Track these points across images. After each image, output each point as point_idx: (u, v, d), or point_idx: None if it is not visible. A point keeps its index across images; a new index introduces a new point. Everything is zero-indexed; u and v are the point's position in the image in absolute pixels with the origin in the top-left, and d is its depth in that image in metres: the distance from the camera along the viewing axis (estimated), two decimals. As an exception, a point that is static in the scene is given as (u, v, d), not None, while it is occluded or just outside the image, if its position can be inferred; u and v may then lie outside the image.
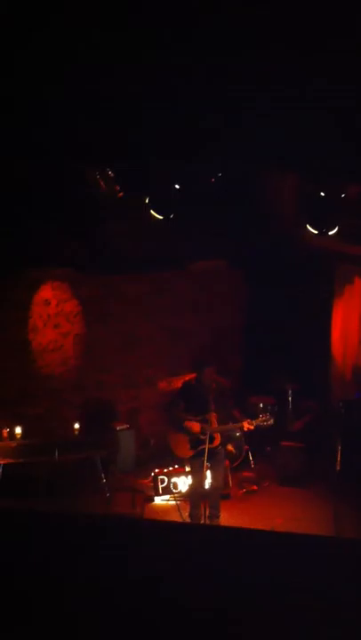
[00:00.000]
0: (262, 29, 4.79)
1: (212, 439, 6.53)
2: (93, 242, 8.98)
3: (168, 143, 6.38)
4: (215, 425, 6.64)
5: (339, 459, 7.87)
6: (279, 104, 5.61)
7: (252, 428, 6.78)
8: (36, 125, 5.88)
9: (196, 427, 6.67)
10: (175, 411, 6.90)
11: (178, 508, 7.56)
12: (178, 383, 9.08)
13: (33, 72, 5.23)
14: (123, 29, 4.87)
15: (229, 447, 8.62)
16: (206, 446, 6.40)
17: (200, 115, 5.86)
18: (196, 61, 5.21)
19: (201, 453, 6.52)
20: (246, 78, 5.28)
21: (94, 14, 4.66)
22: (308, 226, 7.42)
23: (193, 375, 7.14)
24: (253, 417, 7.23)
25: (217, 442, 6.67)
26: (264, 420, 6.87)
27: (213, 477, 6.83)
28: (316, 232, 7.37)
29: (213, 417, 6.62)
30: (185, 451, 6.84)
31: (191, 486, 7.11)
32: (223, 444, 6.95)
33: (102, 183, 7.39)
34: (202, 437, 6.58)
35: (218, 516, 6.83)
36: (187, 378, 7.49)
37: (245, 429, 6.84)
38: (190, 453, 6.78)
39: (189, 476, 7.94)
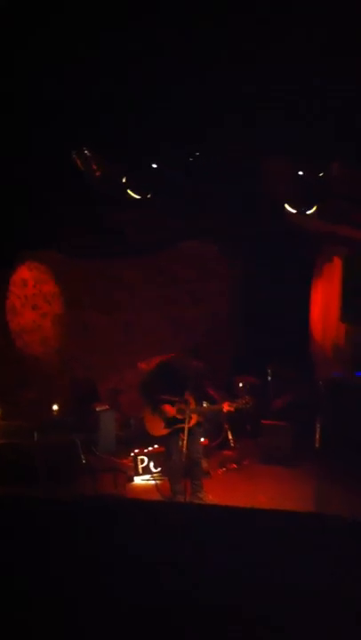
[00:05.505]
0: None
1: (189, 419, 6.65)
2: (75, 222, 8.90)
3: (157, 125, 6.37)
4: (193, 405, 6.73)
5: (318, 437, 7.95)
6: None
7: (231, 409, 6.90)
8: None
9: (171, 411, 6.79)
10: (151, 392, 6.99)
11: (157, 487, 7.71)
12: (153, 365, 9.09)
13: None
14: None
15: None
16: (185, 426, 6.54)
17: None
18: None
19: (177, 432, 6.68)
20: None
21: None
22: (286, 205, 7.44)
23: (170, 355, 7.18)
24: (233, 398, 7.30)
25: (194, 421, 6.78)
26: (244, 403, 6.95)
27: (190, 452, 6.84)
28: (294, 211, 7.40)
29: (190, 397, 6.74)
30: (160, 429, 6.95)
31: (169, 463, 7.16)
32: (199, 422, 6.99)
33: (79, 162, 7.31)
34: (179, 417, 6.70)
35: (201, 488, 6.93)
36: (163, 358, 7.49)
37: (225, 410, 6.94)
38: (165, 432, 6.88)
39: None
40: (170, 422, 6.83)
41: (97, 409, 9.29)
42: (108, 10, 4.85)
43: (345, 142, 6.60)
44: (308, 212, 7.60)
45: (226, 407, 6.93)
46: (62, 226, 8.76)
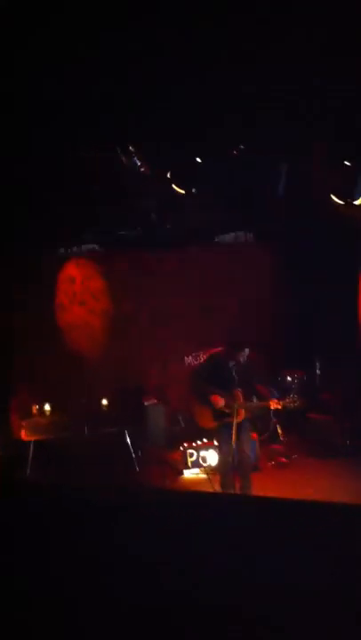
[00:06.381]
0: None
1: (237, 413, 6.67)
2: (118, 218, 8.92)
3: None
4: (241, 400, 6.73)
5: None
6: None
7: (279, 407, 6.87)
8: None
9: (220, 402, 6.75)
10: (200, 382, 6.98)
11: (209, 480, 7.64)
12: (204, 357, 9.05)
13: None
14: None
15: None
16: (234, 420, 6.54)
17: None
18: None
19: (226, 426, 6.68)
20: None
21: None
22: (332, 196, 7.29)
23: (219, 349, 7.16)
24: (281, 392, 7.29)
25: (241, 417, 6.76)
26: (292, 402, 6.91)
27: (240, 449, 6.85)
28: (341, 202, 7.26)
29: (239, 392, 6.72)
30: (208, 421, 6.93)
31: (219, 457, 7.15)
32: (246, 417, 6.98)
33: (123, 159, 7.26)
34: (227, 411, 6.70)
35: (249, 488, 6.90)
36: (213, 351, 7.48)
37: (272, 408, 6.93)
38: (213, 424, 6.87)
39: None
40: (218, 415, 6.81)
41: (145, 403, 9.30)
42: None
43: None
44: (355, 203, 7.39)
45: (273, 405, 6.90)
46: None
